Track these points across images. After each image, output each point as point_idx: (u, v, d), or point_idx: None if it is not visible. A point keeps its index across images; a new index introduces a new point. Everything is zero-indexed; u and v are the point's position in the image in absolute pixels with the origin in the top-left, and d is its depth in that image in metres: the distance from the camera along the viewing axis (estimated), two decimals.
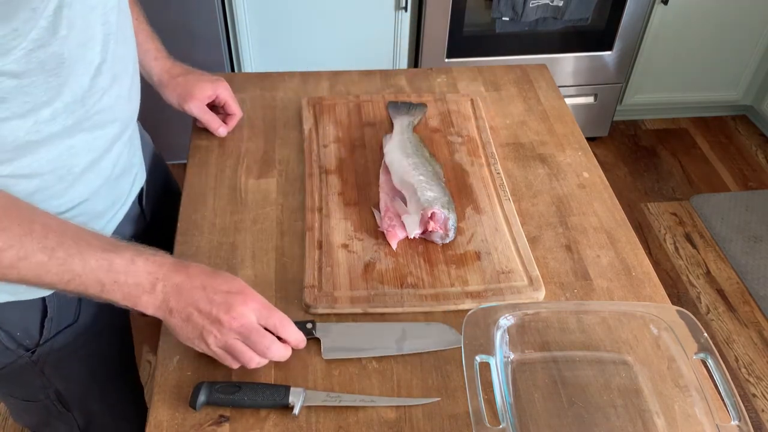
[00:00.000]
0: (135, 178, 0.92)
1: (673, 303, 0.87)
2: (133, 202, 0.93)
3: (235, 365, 0.72)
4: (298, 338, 0.73)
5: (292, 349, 0.74)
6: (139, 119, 0.90)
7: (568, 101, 1.90)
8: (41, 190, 0.72)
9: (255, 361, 0.71)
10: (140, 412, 1.04)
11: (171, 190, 1.10)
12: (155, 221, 1.01)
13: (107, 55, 0.73)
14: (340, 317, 0.81)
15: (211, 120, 1.03)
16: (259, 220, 0.92)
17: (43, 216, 0.66)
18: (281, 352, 0.72)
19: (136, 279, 0.67)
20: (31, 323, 0.80)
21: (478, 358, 0.65)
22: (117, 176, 0.85)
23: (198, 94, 1.00)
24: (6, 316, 0.78)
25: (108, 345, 0.94)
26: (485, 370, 0.65)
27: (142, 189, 0.95)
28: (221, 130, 1.04)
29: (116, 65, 0.75)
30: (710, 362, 0.67)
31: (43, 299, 0.79)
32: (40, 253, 0.63)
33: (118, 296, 0.68)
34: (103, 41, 0.72)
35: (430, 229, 0.87)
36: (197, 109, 1.01)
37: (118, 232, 0.89)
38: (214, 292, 0.68)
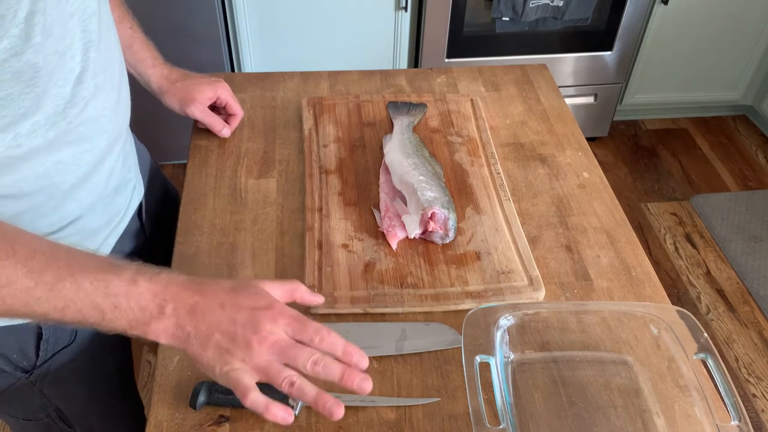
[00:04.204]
0: (132, 193, 0.90)
1: (673, 303, 0.87)
2: (132, 218, 0.91)
3: (270, 413, 0.58)
4: (347, 348, 0.60)
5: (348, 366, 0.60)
6: (137, 123, 0.89)
7: (568, 101, 1.90)
8: (30, 210, 0.71)
9: (297, 383, 0.58)
10: (141, 427, 1.04)
11: (170, 202, 1.08)
12: (155, 235, 0.99)
13: (88, 64, 0.70)
14: (340, 317, 0.81)
15: (214, 122, 1.03)
16: (259, 220, 0.92)
17: (29, 238, 0.60)
18: (332, 367, 0.59)
19: (140, 302, 0.58)
20: (26, 345, 0.80)
21: (478, 358, 0.65)
22: (112, 192, 0.83)
23: (199, 97, 1.00)
24: (1, 341, 0.78)
25: (107, 363, 0.93)
26: (485, 370, 0.65)
27: (141, 203, 0.94)
28: (225, 131, 1.04)
29: (99, 74, 0.72)
30: (710, 362, 0.67)
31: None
32: (25, 278, 0.56)
33: (123, 324, 0.59)
34: (83, 49, 0.69)
35: (430, 229, 0.87)
36: (200, 112, 1.01)
37: (117, 249, 0.87)
38: (236, 311, 0.59)
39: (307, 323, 0.60)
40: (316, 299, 0.68)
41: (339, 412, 0.58)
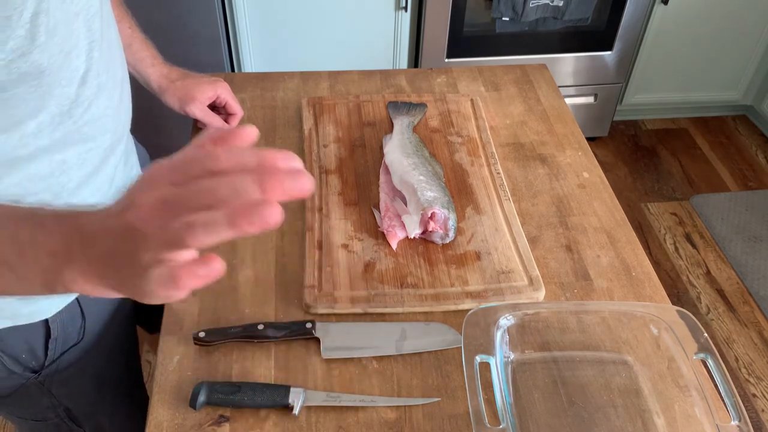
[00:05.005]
0: None
1: (673, 303, 0.87)
2: None
3: (183, 278, 0.40)
4: (263, 155, 0.39)
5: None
6: (136, 123, 0.89)
7: (568, 101, 1.90)
8: None
9: (198, 219, 0.38)
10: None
11: None
12: None
13: (92, 64, 0.70)
14: (340, 317, 0.81)
15: (214, 121, 1.03)
16: None
17: None
18: (243, 182, 0.38)
19: (48, 246, 0.45)
20: (35, 345, 0.80)
21: (478, 358, 0.65)
22: (115, 193, 0.81)
23: (199, 96, 1.00)
24: (9, 342, 0.78)
25: (114, 362, 0.94)
26: (485, 370, 0.65)
27: None
28: None
29: (102, 74, 0.73)
30: (710, 362, 0.67)
31: (46, 321, 0.78)
32: None
33: (37, 278, 0.46)
34: (87, 49, 0.69)
35: (430, 229, 0.87)
36: (199, 111, 1.01)
37: None
38: (116, 204, 0.43)
39: (191, 159, 0.40)
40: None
41: (273, 215, 0.37)
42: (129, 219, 0.41)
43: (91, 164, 0.75)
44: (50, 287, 0.47)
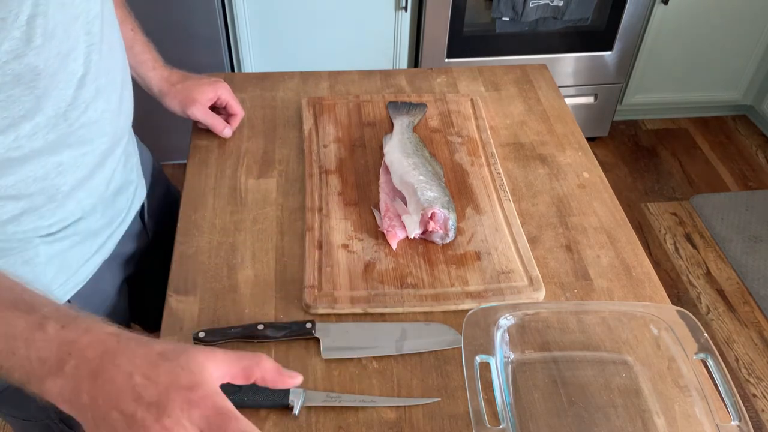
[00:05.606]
0: (134, 195, 0.90)
1: (673, 303, 0.87)
2: (134, 219, 0.91)
3: None
4: None
5: None
6: (136, 123, 0.89)
7: (568, 101, 1.90)
8: (30, 211, 0.71)
9: None
10: None
11: (172, 203, 1.08)
12: (158, 237, 0.99)
13: (90, 67, 0.70)
14: (340, 317, 0.81)
15: (215, 122, 1.03)
16: (259, 220, 0.92)
17: None
18: None
19: (41, 352, 0.47)
20: None
21: (478, 358, 0.65)
22: (113, 193, 0.83)
23: (200, 98, 1.00)
24: None
25: None
26: (485, 370, 0.65)
27: (143, 205, 0.94)
28: (226, 131, 1.04)
29: (101, 77, 0.72)
30: (710, 362, 0.67)
31: None
32: None
33: (18, 375, 0.48)
34: (86, 52, 0.69)
35: (430, 229, 0.87)
36: (200, 112, 1.01)
37: (119, 250, 0.88)
38: (146, 386, 0.47)
39: (229, 422, 0.46)
40: (289, 380, 0.54)
41: None
42: (149, 425, 0.46)
43: (87, 167, 0.75)
44: (27, 387, 0.49)
